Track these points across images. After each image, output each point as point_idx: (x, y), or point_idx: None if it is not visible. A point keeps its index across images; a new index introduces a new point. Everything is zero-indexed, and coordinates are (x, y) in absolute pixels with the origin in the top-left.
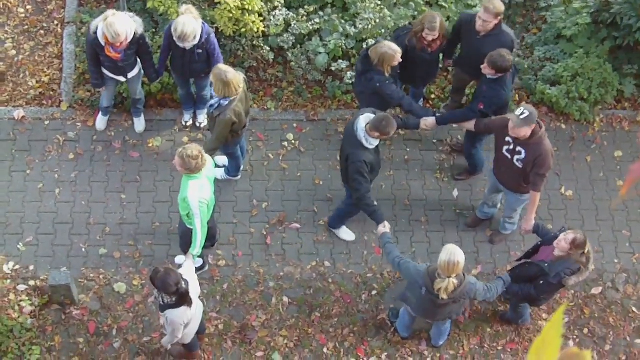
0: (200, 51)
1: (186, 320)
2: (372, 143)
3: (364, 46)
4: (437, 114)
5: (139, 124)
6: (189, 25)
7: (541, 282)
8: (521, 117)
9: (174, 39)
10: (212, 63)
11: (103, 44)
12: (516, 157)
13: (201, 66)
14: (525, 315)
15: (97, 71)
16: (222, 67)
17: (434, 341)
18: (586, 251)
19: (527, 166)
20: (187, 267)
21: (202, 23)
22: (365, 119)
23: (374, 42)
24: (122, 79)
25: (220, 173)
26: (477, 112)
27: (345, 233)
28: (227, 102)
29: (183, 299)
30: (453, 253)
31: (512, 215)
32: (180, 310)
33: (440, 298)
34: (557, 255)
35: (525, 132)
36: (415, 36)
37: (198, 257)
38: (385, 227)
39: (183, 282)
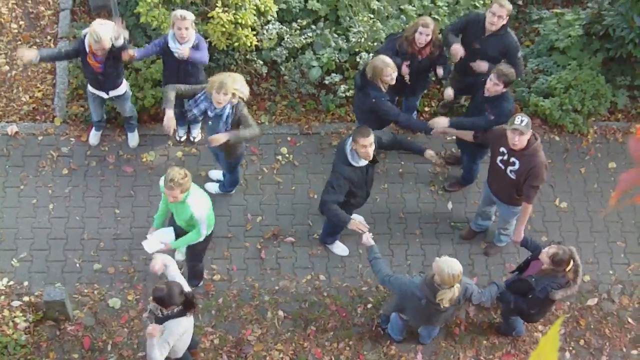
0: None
1: (187, 329)
2: (356, 161)
3: (358, 59)
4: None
5: (132, 138)
6: (188, 16)
7: (530, 296)
8: (522, 124)
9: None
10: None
11: (87, 50)
12: (510, 168)
13: (195, 80)
14: (518, 327)
15: (67, 53)
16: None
17: (423, 340)
18: (570, 267)
19: (521, 177)
20: (174, 270)
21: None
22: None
23: (367, 55)
24: (103, 94)
25: (214, 188)
26: (488, 123)
27: (339, 248)
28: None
29: (189, 305)
30: (451, 266)
31: (507, 227)
32: (182, 320)
33: (443, 307)
34: (543, 269)
35: (525, 139)
36: (407, 40)
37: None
38: (369, 241)
39: (185, 289)
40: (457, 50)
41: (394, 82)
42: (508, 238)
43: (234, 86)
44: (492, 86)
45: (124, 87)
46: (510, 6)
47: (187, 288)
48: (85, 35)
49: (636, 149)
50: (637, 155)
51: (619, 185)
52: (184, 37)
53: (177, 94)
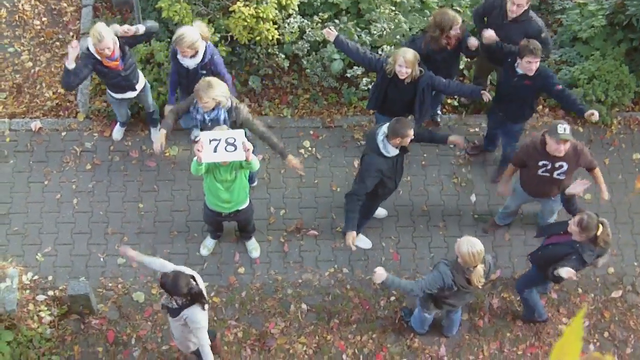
0: (204, 72)
1: (202, 318)
2: (389, 151)
3: (380, 52)
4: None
5: (155, 133)
6: (189, 33)
7: (574, 257)
8: (566, 132)
9: (174, 48)
10: None
11: (98, 57)
12: (557, 172)
13: None
14: (538, 310)
15: (76, 74)
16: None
17: (448, 331)
18: (600, 232)
19: (571, 172)
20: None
21: (208, 44)
22: (386, 126)
23: (388, 48)
24: (132, 94)
25: None
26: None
27: (362, 241)
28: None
29: (196, 298)
30: (472, 244)
31: (553, 217)
32: (198, 308)
33: (475, 286)
34: (578, 240)
35: (569, 144)
36: (433, 39)
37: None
38: (381, 273)
39: (194, 283)
40: (491, 35)
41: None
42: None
43: (209, 94)
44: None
45: (143, 80)
46: None
47: (198, 282)
48: (88, 48)
49: None
50: None
51: None
52: (186, 54)
53: (177, 116)
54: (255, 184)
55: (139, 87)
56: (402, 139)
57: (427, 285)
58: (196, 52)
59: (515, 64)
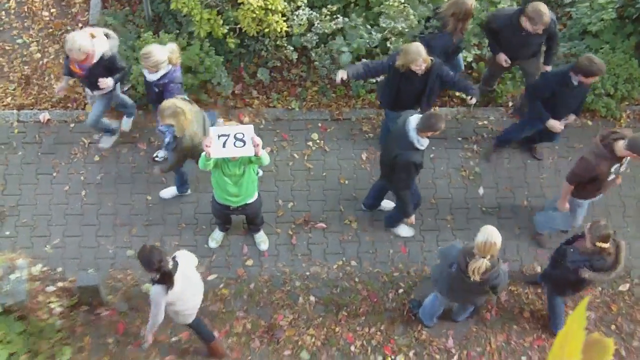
0: (157, 89)
1: (169, 301)
2: (422, 144)
3: (388, 44)
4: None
5: (127, 123)
6: (155, 53)
7: (562, 263)
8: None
9: None
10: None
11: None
12: (621, 168)
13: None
14: (555, 319)
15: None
16: (168, 101)
17: (455, 316)
18: (608, 246)
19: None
20: (184, 254)
21: (173, 69)
22: (415, 119)
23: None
24: (89, 92)
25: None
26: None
27: (404, 230)
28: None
29: (165, 278)
30: (490, 234)
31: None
32: (160, 287)
33: (472, 279)
34: (585, 247)
35: None
36: (456, 33)
37: None
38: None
39: (168, 263)
40: (501, 59)
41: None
42: None
43: (165, 120)
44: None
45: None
46: (548, 18)
47: (191, 267)
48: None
49: None
50: None
51: None
52: (147, 68)
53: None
54: (260, 174)
55: (97, 92)
56: (434, 133)
57: (442, 250)
58: (157, 71)
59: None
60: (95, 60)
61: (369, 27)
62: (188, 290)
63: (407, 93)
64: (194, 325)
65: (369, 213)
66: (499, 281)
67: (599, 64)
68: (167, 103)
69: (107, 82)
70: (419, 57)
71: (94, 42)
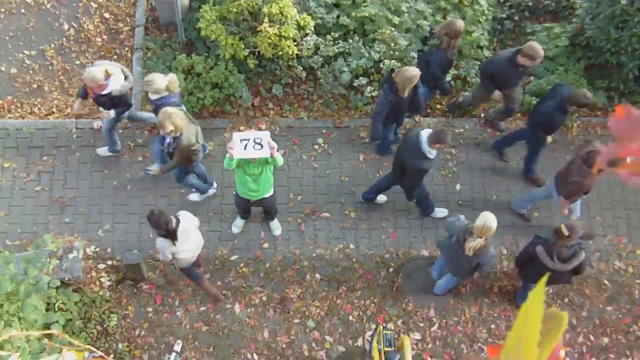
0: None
1: (173, 251)
2: (432, 154)
3: (381, 65)
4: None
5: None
6: (157, 81)
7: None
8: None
9: None
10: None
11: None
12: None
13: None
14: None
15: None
16: (162, 110)
17: (436, 289)
18: (565, 236)
19: None
20: (186, 214)
21: (172, 96)
22: (425, 133)
23: (389, 62)
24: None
25: (196, 197)
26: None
27: (440, 212)
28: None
29: (170, 235)
30: (488, 219)
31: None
32: (164, 240)
33: (466, 253)
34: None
35: None
36: (449, 48)
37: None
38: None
39: (173, 223)
40: (496, 96)
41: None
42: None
43: (165, 127)
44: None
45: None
46: (543, 53)
47: (193, 224)
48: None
49: (616, 127)
50: (616, 132)
51: (601, 157)
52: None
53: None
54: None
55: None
56: (442, 145)
57: (445, 225)
58: (158, 94)
59: None
60: (104, 92)
61: (368, 47)
62: (186, 244)
63: (402, 111)
64: (186, 270)
65: (365, 205)
66: (486, 260)
67: (540, 51)
68: (160, 114)
69: (106, 114)
70: (416, 79)
71: (110, 78)
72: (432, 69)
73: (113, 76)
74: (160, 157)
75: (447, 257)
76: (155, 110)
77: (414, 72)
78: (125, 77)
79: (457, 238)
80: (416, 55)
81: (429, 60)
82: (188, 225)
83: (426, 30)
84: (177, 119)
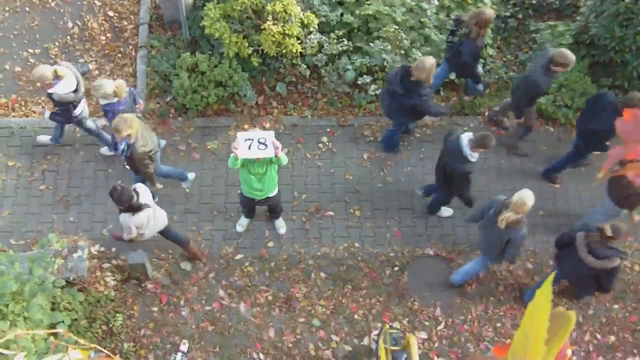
0: (51, 99)
1: (137, 224)
2: (474, 157)
3: (385, 63)
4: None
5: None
6: (105, 86)
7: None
8: None
9: None
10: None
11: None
12: None
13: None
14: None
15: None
16: (118, 116)
17: (453, 277)
18: (609, 236)
19: None
20: (142, 187)
21: (120, 102)
22: (466, 137)
23: (392, 60)
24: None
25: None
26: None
27: (446, 211)
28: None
29: (133, 209)
30: (524, 196)
31: None
32: (127, 215)
33: (498, 224)
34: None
35: None
36: (479, 37)
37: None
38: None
39: (135, 198)
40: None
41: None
42: None
43: (121, 132)
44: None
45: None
46: (574, 56)
47: (144, 200)
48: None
49: (623, 129)
50: (624, 134)
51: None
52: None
53: None
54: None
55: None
56: (485, 149)
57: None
58: (106, 99)
59: None
60: (49, 91)
61: (371, 45)
62: (149, 218)
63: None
64: (167, 234)
65: (370, 203)
66: (517, 237)
67: (571, 55)
68: (116, 119)
69: (43, 114)
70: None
71: (58, 80)
72: (464, 59)
73: (63, 80)
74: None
75: (482, 232)
76: (105, 116)
77: (432, 59)
78: (76, 90)
79: (494, 211)
80: (445, 46)
81: (459, 50)
82: (147, 198)
83: (430, 28)
84: (136, 125)
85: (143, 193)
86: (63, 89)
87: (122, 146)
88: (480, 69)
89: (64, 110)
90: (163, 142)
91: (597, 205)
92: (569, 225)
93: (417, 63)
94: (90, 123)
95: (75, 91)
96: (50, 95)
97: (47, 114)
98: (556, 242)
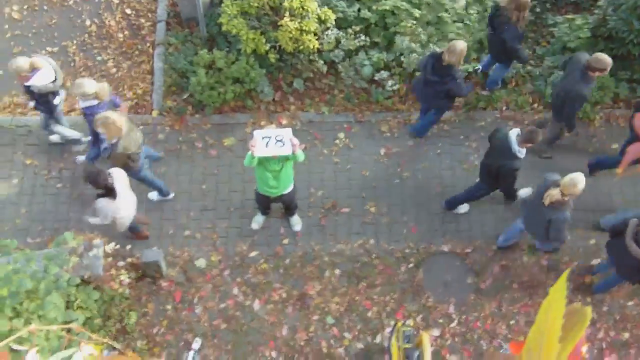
0: (28, 91)
1: (113, 209)
2: (522, 153)
3: (402, 59)
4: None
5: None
6: (85, 85)
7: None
8: None
9: None
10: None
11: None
12: None
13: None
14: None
15: None
16: (103, 113)
17: (502, 239)
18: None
19: None
20: (118, 171)
21: (101, 105)
22: (514, 133)
23: (410, 55)
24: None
25: (154, 195)
26: None
27: (463, 207)
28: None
29: (110, 191)
30: (574, 178)
31: None
32: (104, 199)
33: (543, 200)
34: None
35: None
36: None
37: None
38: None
39: (110, 180)
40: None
41: None
42: None
43: (98, 127)
44: None
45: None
46: (610, 59)
47: (113, 183)
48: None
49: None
50: None
51: (626, 157)
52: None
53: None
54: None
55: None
56: (533, 145)
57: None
58: (85, 100)
59: None
60: (26, 83)
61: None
62: (126, 201)
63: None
64: (131, 228)
65: (386, 199)
66: (556, 217)
67: (608, 59)
68: (101, 114)
69: (28, 104)
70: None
71: (35, 72)
72: (510, 44)
73: (40, 71)
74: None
75: (530, 207)
76: (85, 118)
77: (463, 43)
78: (54, 80)
79: (544, 189)
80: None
81: (503, 39)
82: (122, 181)
83: (447, 24)
84: (114, 127)
85: (118, 178)
86: (41, 80)
87: (104, 145)
88: (525, 51)
89: (44, 102)
90: (158, 154)
91: (614, 199)
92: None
93: (449, 47)
94: (64, 122)
95: (54, 81)
96: (28, 88)
97: (32, 103)
98: (610, 229)
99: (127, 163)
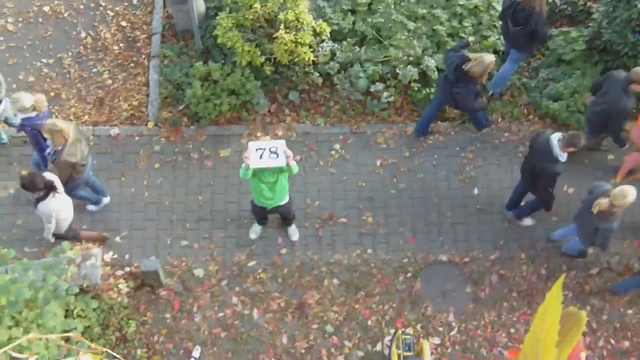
0: (22, 128)
1: (56, 209)
2: (564, 157)
3: (397, 71)
4: None
5: None
6: (22, 99)
7: None
8: None
9: None
10: None
11: None
12: None
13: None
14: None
15: None
16: (50, 120)
17: (555, 234)
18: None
19: None
20: (50, 175)
21: (33, 116)
22: (555, 137)
23: (405, 68)
24: None
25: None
26: None
27: (528, 220)
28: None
29: (51, 188)
30: (624, 190)
31: None
32: (45, 201)
33: (592, 209)
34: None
35: None
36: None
37: None
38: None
39: (47, 178)
40: None
41: None
42: None
43: (45, 133)
44: None
45: None
46: None
47: (51, 179)
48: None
49: (638, 136)
50: (638, 141)
51: (624, 165)
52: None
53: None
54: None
55: None
56: (575, 149)
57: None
58: (24, 113)
59: None
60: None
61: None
62: (65, 201)
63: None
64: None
65: (383, 210)
66: (603, 226)
67: None
68: (50, 121)
69: None
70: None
71: None
72: (541, 33)
73: None
74: (36, 164)
75: (579, 212)
76: (22, 130)
77: (492, 57)
78: None
79: (594, 197)
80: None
81: (537, 31)
82: (58, 181)
83: (443, 37)
84: (59, 136)
85: (54, 178)
86: None
87: (48, 150)
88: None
89: None
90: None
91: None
92: None
93: (477, 56)
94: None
95: None
96: None
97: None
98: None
99: (71, 173)
